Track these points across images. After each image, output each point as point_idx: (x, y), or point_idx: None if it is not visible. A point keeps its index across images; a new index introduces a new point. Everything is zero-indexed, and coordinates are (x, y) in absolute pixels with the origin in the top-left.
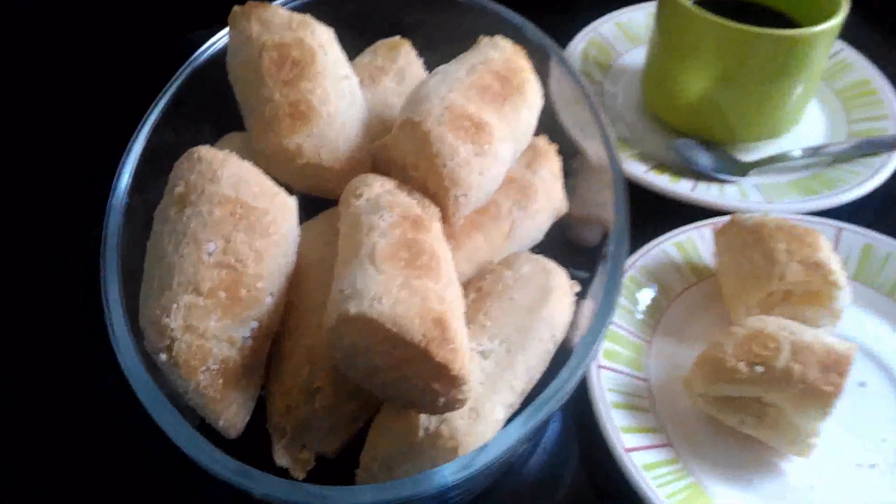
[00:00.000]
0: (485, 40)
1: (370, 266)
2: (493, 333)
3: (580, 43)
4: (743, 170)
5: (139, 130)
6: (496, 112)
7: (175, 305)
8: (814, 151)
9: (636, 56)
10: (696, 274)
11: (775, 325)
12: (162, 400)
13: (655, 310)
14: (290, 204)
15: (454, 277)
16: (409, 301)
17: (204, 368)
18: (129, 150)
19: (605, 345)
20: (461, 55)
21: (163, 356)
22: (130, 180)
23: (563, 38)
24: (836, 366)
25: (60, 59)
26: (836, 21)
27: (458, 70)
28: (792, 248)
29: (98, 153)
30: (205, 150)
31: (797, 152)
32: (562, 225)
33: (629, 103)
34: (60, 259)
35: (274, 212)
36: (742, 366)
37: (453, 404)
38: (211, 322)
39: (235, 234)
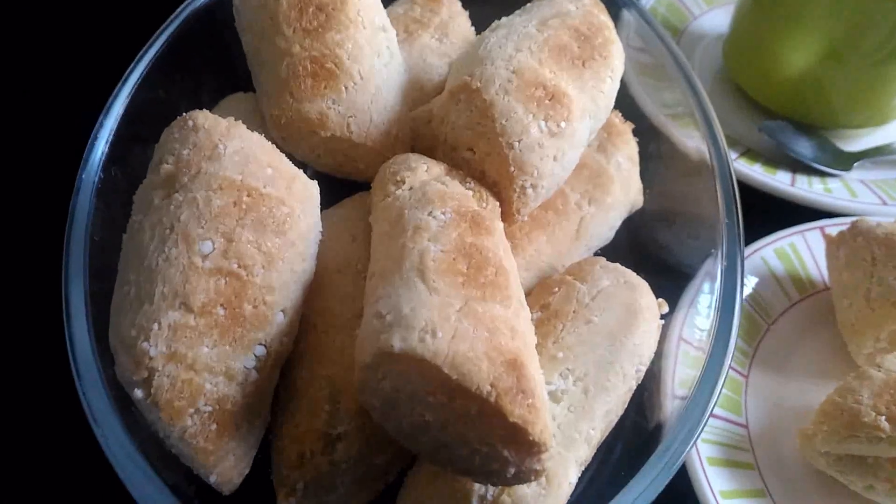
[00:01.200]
0: None
1: (419, 282)
2: (566, 369)
3: (650, 0)
4: (847, 161)
5: (121, 85)
6: (576, 80)
7: (156, 325)
8: None
9: (715, 19)
10: (800, 289)
11: None
12: (133, 456)
13: (752, 334)
14: (312, 191)
15: (523, 297)
16: (473, 336)
17: (192, 411)
18: (108, 110)
19: (693, 374)
20: (530, 5)
21: (139, 392)
22: (107, 149)
23: None
24: None
25: None
26: None
27: (526, 23)
28: None
29: (69, 112)
30: (203, 117)
31: None
32: (633, 219)
33: (706, 73)
34: (12, 249)
35: (291, 202)
36: (883, 421)
37: (527, 475)
38: (203, 349)
39: (240, 230)
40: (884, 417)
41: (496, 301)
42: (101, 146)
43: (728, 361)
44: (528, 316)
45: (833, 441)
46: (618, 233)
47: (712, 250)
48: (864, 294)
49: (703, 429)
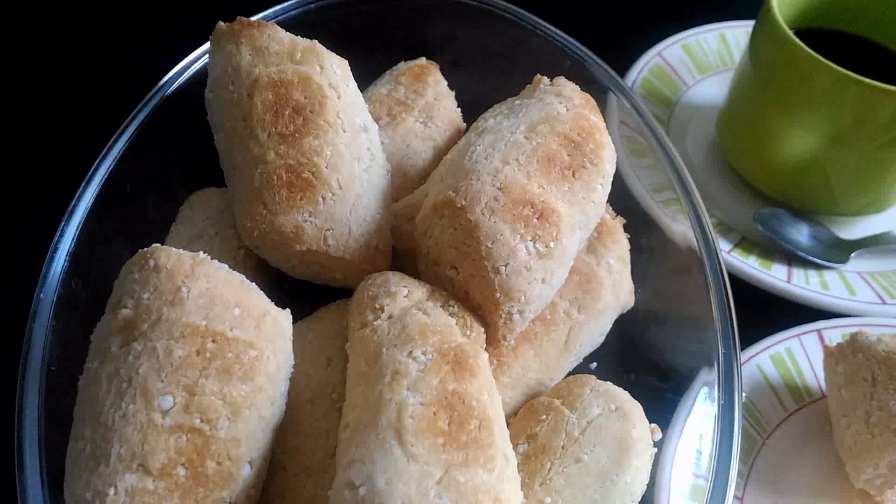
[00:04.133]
0: (543, 83)
1: (396, 445)
2: None
3: (642, 71)
4: (844, 252)
5: (84, 186)
6: (566, 193)
7: (112, 490)
8: None
9: (708, 89)
10: (796, 398)
11: None
12: None
13: (747, 450)
14: (284, 325)
15: (509, 447)
16: None
17: None
18: (70, 215)
19: None
20: (516, 103)
21: None
22: (67, 261)
23: (619, 61)
24: None
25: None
26: None
27: (514, 129)
28: None
29: (29, 213)
30: (165, 256)
31: None
32: (623, 318)
33: (700, 151)
34: None
35: (260, 343)
36: None
37: None
38: None
39: (203, 381)
40: None
41: (479, 464)
42: (61, 258)
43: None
44: (513, 472)
45: None
46: (609, 331)
47: (705, 363)
48: (863, 417)
49: None
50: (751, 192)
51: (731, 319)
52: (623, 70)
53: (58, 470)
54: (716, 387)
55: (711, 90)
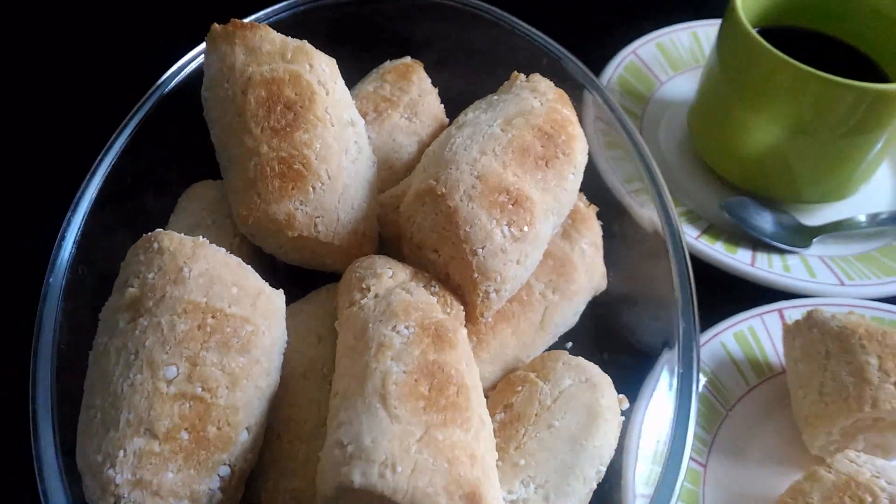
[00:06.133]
0: (520, 80)
1: (381, 408)
2: (528, 476)
3: (618, 68)
4: (807, 237)
5: (89, 178)
6: (539, 181)
7: (122, 452)
8: (881, 218)
9: (680, 85)
10: (758, 373)
11: (870, 468)
12: None
13: (712, 421)
14: (278, 304)
15: (485, 411)
16: (432, 468)
17: None
18: (75, 206)
19: (653, 469)
20: (494, 99)
21: None
22: (73, 250)
23: (596, 60)
24: None
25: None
26: None
27: (491, 122)
28: (887, 367)
29: (35, 206)
30: (167, 239)
31: (862, 218)
32: (597, 301)
33: (672, 144)
34: None
35: (256, 319)
36: None
37: None
38: (168, 474)
39: (204, 353)
40: None
41: (456, 425)
42: (68, 247)
43: (686, 460)
44: (488, 433)
45: None
46: (583, 313)
47: (672, 339)
48: (817, 388)
49: None
50: (719, 183)
51: (692, 296)
52: (600, 67)
53: (69, 439)
54: (676, 358)
55: (684, 86)
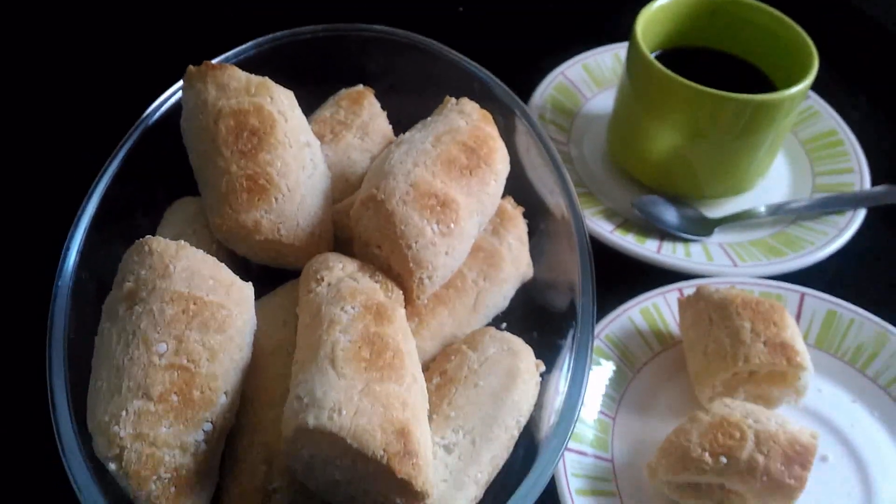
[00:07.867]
0: (451, 103)
1: (330, 369)
2: (457, 425)
3: (547, 88)
4: (709, 227)
5: (87, 200)
6: (463, 187)
7: (124, 412)
8: (778, 209)
9: (602, 101)
10: (661, 342)
11: (741, 411)
12: None
13: (620, 382)
14: (247, 293)
15: (418, 372)
16: (370, 411)
17: (155, 478)
18: (76, 224)
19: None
20: (429, 120)
21: (112, 465)
22: (77, 257)
23: (531, 81)
24: (799, 458)
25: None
26: (807, 83)
27: (423, 140)
28: (758, 329)
29: (41, 223)
30: (156, 243)
31: (762, 209)
32: (527, 287)
33: (595, 154)
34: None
35: (230, 305)
36: (707, 456)
37: None
38: (162, 429)
39: (188, 332)
40: (707, 453)
41: (392, 381)
42: (72, 256)
43: (578, 409)
44: (420, 389)
45: (671, 473)
46: (515, 299)
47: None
48: (702, 349)
49: (567, 442)
50: (633, 184)
51: (591, 273)
52: (532, 87)
53: (80, 410)
54: (575, 325)
55: (606, 101)
